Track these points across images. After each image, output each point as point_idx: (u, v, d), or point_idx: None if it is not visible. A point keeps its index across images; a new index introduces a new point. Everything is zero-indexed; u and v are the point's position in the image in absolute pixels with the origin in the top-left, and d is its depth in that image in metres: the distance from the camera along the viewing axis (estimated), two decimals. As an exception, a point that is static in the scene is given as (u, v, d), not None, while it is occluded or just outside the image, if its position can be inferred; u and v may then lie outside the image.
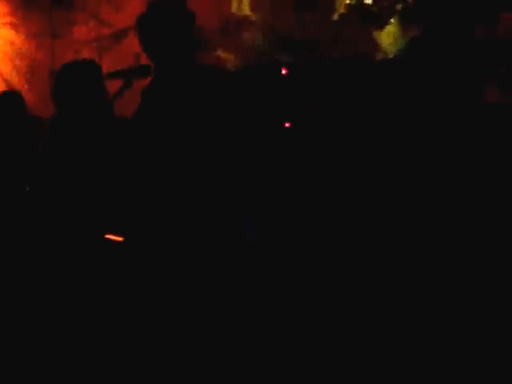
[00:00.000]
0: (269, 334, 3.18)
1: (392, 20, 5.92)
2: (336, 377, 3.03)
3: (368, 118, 3.85)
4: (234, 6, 6.40)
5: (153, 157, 3.24)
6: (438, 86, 3.59)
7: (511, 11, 4.26)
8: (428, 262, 3.34)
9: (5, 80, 6.43)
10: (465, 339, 3.07)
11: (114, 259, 3.31)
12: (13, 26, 6.43)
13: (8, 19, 6.41)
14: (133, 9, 5.77)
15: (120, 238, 3.33)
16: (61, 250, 3.39)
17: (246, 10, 6.35)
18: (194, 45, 3.29)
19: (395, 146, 3.64)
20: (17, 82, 6.42)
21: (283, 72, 4.13)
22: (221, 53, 6.22)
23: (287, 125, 4.01)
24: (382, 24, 5.95)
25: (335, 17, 6.18)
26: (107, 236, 3.36)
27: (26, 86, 6.27)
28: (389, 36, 5.92)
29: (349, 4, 6.11)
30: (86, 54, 6.08)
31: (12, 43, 6.47)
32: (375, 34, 5.98)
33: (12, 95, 4.19)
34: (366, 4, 6.05)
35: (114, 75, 3.71)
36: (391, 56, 5.51)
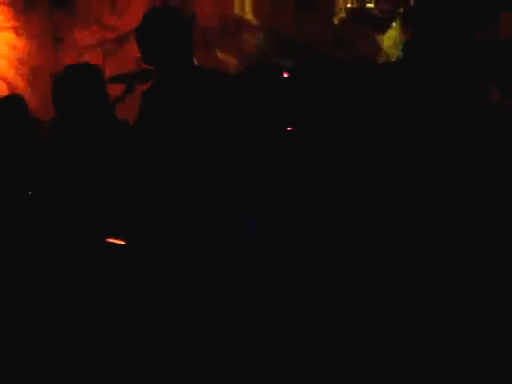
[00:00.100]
0: (269, 335, 3.19)
1: (393, 23, 5.94)
2: (336, 377, 3.04)
3: (369, 120, 3.86)
4: (236, 7, 6.42)
5: (155, 160, 3.26)
6: (439, 88, 3.60)
7: (511, 11, 4.27)
8: (429, 262, 3.35)
9: (7, 83, 6.44)
10: (464, 339, 3.08)
11: (115, 263, 3.32)
12: (15, 29, 6.45)
13: (10, 23, 6.42)
14: (135, 13, 5.78)
15: (122, 242, 3.34)
16: (63, 254, 3.40)
17: (247, 11, 6.36)
18: (192, 50, 3.30)
19: (397, 148, 3.64)
20: (19, 85, 6.43)
21: (284, 75, 4.14)
22: (221, 54, 6.24)
23: (288, 128, 4.02)
24: (383, 27, 5.96)
25: (336, 20, 6.19)
26: (109, 240, 3.37)
27: (28, 90, 6.28)
28: (390, 39, 5.93)
29: (350, 7, 6.12)
30: (88, 58, 6.07)
31: (14, 47, 6.48)
32: (376, 37, 5.99)
33: (14, 99, 4.19)
34: (367, 7, 6.07)
35: (116, 80, 3.74)
36: (392, 59, 5.52)
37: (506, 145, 3.49)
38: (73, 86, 3.54)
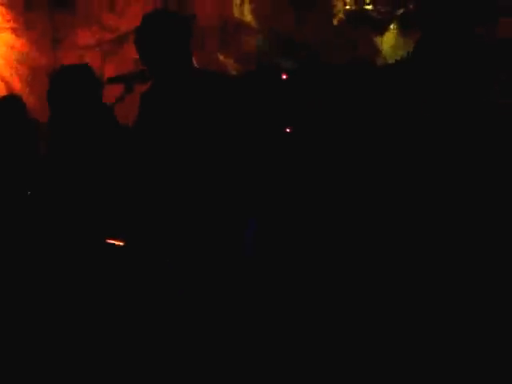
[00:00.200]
0: (269, 336, 3.19)
1: (392, 25, 5.94)
2: (336, 377, 3.04)
3: (368, 121, 3.86)
4: (235, 8, 6.41)
5: (154, 161, 3.26)
6: (438, 89, 3.60)
7: (509, 16, 4.28)
8: (429, 261, 3.35)
9: (6, 84, 6.44)
10: (464, 339, 3.08)
11: (114, 263, 3.32)
12: (14, 30, 6.44)
13: (10, 24, 6.42)
14: (135, 13, 5.78)
15: (121, 243, 3.34)
16: (61, 254, 3.40)
17: (247, 12, 6.36)
18: (191, 51, 3.31)
19: (396, 148, 3.65)
20: (18, 86, 6.42)
21: (283, 77, 4.14)
22: (220, 55, 6.24)
23: (288, 129, 4.03)
24: (381, 29, 5.97)
25: (335, 21, 6.19)
26: (108, 240, 3.37)
27: (27, 91, 6.27)
28: (388, 41, 5.94)
29: (349, 9, 6.12)
30: (88, 58, 6.07)
31: (14, 48, 6.48)
32: (375, 38, 6.00)
33: (13, 99, 4.19)
34: (366, 9, 6.07)
35: (114, 80, 3.73)
36: (391, 61, 5.52)
37: (505, 144, 3.50)
38: (66, 86, 3.55)
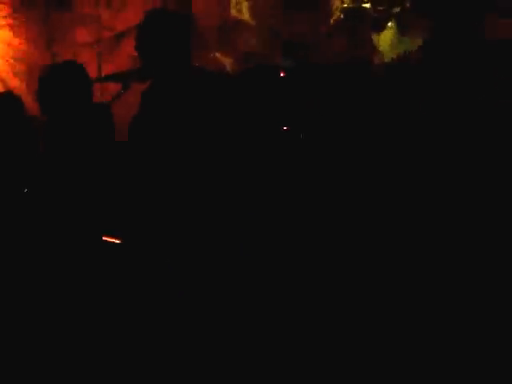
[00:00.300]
0: (269, 335, 3.19)
1: (389, 23, 5.95)
2: (336, 377, 3.04)
3: (366, 121, 3.86)
4: (234, 7, 6.41)
5: (153, 159, 3.26)
6: (437, 89, 3.61)
7: (509, 17, 4.29)
8: (428, 261, 3.35)
9: (3, 81, 6.43)
10: (464, 339, 3.08)
11: (112, 261, 3.32)
12: (11, 27, 6.43)
13: (6, 21, 6.41)
14: (132, 11, 5.78)
15: (118, 240, 3.34)
16: (59, 251, 3.40)
17: (245, 11, 6.36)
18: (190, 50, 3.31)
19: (396, 148, 3.65)
20: (15, 83, 6.41)
21: (281, 75, 4.14)
22: (219, 54, 6.24)
23: (285, 128, 4.03)
24: (379, 27, 5.98)
25: (332, 20, 6.19)
26: (105, 238, 3.37)
27: (24, 88, 6.26)
28: (386, 39, 5.94)
29: (346, 7, 6.13)
30: (85, 56, 6.07)
31: (10, 45, 6.47)
32: (373, 37, 6.00)
33: (10, 97, 4.19)
34: (363, 7, 6.08)
35: (111, 78, 3.73)
36: (388, 59, 5.53)
37: (505, 144, 3.51)
38: (54, 84, 3.55)
